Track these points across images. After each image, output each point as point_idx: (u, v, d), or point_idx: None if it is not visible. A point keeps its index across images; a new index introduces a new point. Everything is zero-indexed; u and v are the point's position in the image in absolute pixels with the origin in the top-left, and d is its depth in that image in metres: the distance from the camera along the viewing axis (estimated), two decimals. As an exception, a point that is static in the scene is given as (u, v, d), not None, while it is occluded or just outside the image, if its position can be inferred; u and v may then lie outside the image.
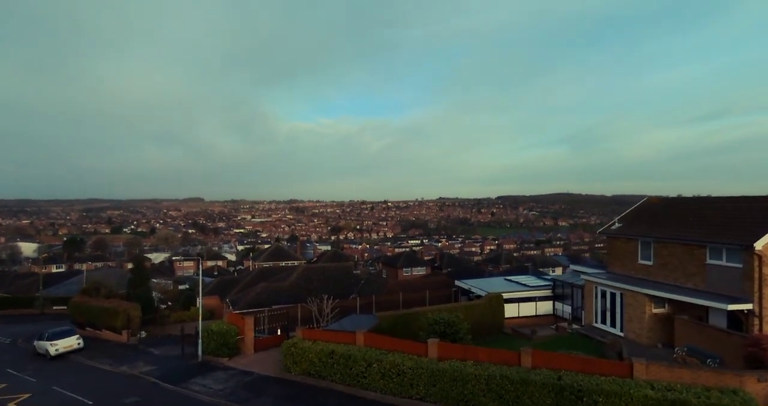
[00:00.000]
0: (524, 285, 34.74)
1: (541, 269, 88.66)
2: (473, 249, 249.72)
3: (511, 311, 32.19)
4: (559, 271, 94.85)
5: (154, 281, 75.58)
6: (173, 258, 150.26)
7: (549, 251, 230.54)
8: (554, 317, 33.25)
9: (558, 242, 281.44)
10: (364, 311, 34.87)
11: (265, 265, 68.69)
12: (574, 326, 29.49)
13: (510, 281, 36.98)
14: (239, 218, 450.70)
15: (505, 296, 31.52)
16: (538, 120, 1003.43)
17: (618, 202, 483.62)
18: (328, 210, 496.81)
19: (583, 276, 29.91)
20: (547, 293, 33.67)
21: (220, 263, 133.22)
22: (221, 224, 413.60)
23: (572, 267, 35.05)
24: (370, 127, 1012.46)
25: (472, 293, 35.52)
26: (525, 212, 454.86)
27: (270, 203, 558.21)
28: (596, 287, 28.76)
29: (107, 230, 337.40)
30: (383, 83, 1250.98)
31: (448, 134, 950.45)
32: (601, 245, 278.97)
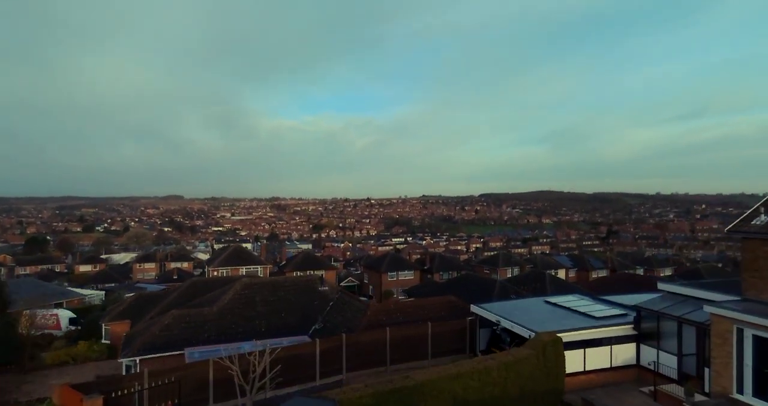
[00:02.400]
0: (585, 315, 21.76)
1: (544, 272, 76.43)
2: (459, 247, 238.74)
3: (572, 361, 19.15)
4: (561, 273, 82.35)
5: (79, 290, 61.54)
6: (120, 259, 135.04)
7: (537, 249, 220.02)
8: (639, 368, 20.36)
9: (545, 240, 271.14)
10: (327, 362, 21.31)
11: (221, 270, 55.40)
12: (699, 399, 16.65)
13: (556, 305, 23.84)
14: (218, 216, 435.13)
15: (564, 337, 18.57)
16: (520, 118, 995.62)
17: (599, 199, 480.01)
18: (311, 208, 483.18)
19: (708, 308, 17.05)
20: (626, 329, 20.68)
21: (185, 264, 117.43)
22: (199, 222, 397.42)
23: (664, 286, 21.98)
24: (353, 125, 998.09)
25: (498, 325, 22.52)
26: (508, 209, 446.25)
27: (251, 200, 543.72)
28: (740, 329, 16.03)
29: (78, 229, 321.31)
30: (367, 80, 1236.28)
31: (431, 132, 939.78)
32: (590, 242, 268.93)
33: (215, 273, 52.76)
